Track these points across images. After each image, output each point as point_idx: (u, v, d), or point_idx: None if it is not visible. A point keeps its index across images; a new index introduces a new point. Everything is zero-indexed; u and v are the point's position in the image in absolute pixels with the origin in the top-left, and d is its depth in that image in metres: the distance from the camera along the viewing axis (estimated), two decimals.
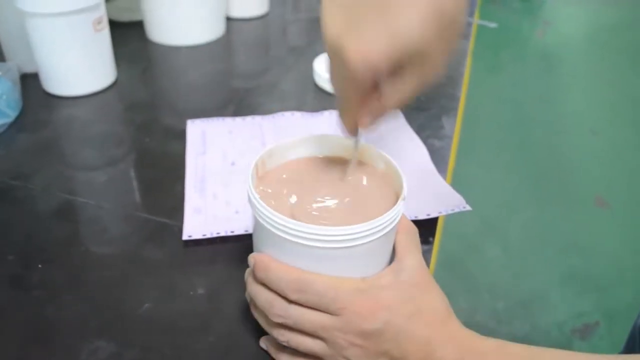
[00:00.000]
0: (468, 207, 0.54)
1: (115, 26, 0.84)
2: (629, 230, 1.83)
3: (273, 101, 0.78)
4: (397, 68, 0.35)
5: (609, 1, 3.81)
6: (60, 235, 0.53)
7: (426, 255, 0.51)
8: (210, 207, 0.56)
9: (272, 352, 0.41)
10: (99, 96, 0.78)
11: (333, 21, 0.35)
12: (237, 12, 1.05)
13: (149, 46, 0.95)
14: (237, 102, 0.79)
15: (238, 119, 0.71)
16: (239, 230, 0.52)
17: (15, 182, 0.60)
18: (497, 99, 2.61)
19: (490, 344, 0.37)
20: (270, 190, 0.41)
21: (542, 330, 1.47)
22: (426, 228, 0.53)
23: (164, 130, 0.71)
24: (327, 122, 0.71)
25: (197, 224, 0.54)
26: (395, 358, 0.36)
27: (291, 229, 0.35)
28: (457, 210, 0.54)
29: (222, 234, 0.52)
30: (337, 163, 0.44)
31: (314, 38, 1.02)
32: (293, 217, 0.37)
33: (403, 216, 0.39)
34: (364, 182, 0.42)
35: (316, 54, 0.84)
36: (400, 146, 0.66)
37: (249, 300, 0.41)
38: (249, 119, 0.71)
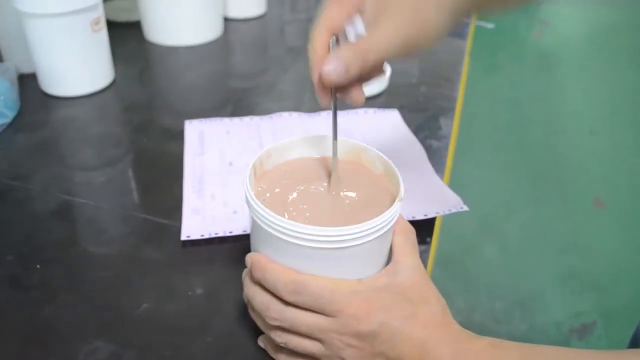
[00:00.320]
0: (465, 208, 0.54)
1: (113, 26, 0.84)
2: (627, 231, 1.83)
3: (271, 101, 0.78)
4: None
5: (606, 1, 3.81)
6: (59, 236, 0.54)
7: (424, 255, 0.51)
8: (208, 208, 0.56)
9: (270, 351, 0.41)
10: (97, 96, 0.78)
11: None
12: (235, 13, 1.05)
13: (146, 46, 0.95)
14: (235, 103, 0.79)
15: (236, 120, 0.71)
16: (237, 231, 0.53)
17: (13, 182, 0.60)
18: (495, 99, 2.62)
19: (485, 342, 0.37)
20: (267, 191, 0.41)
21: (540, 330, 1.47)
22: (424, 228, 0.53)
23: (162, 131, 0.71)
24: (325, 123, 0.71)
25: (195, 224, 0.54)
26: (391, 359, 0.36)
27: (288, 229, 0.35)
28: (454, 210, 0.54)
29: (221, 234, 0.52)
30: (337, 163, 0.44)
31: None
32: (290, 217, 0.38)
33: (400, 217, 0.39)
34: (361, 183, 0.42)
35: None
36: (397, 147, 0.66)
37: (246, 301, 0.41)
38: (246, 119, 0.71)
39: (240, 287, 0.41)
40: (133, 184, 0.63)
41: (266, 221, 0.36)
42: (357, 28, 0.39)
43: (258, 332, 0.42)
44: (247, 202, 0.38)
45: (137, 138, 0.70)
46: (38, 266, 0.50)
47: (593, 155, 2.22)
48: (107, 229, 0.55)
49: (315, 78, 0.39)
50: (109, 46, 0.80)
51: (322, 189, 0.42)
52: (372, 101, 0.77)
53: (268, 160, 0.43)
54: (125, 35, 0.96)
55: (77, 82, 0.77)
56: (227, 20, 1.03)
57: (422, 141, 0.67)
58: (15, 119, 0.71)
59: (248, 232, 0.42)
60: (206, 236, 0.52)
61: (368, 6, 0.39)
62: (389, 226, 0.37)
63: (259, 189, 0.41)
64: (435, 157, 0.65)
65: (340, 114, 0.73)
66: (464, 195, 0.57)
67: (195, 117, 0.71)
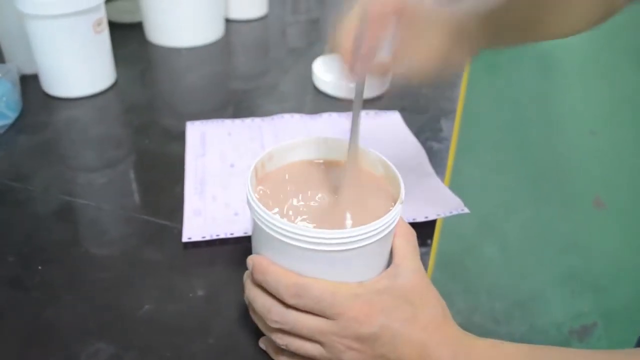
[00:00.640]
0: (466, 210, 0.55)
1: (115, 27, 0.84)
2: (627, 231, 1.83)
3: (272, 103, 0.78)
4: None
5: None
6: (60, 237, 0.54)
7: (424, 257, 0.52)
8: (209, 209, 0.56)
9: (271, 353, 0.42)
10: (99, 98, 0.78)
11: None
12: (236, 14, 1.05)
13: (148, 48, 0.95)
14: (236, 104, 0.79)
15: (237, 121, 0.71)
16: (238, 233, 0.53)
17: (15, 183, 0.60)
18: (496, 100, 2.62)
19: (484, 343, 0.37)
20: (269, 193, 0.41)
21: (540, 331, 1.48)
22: (424, 230, 0.53)
23: (164, 132, 0.71)
24: (326, 124, 0.71)
25: (196, 226, 0.54)
26: None
27: (289, 231, 0.35)
28: (455, 212, 0.54)
29: (222, 236, 0.52)
30: (336, 166, 0.44)
31: (313, 40, 1.02)
32: (291, 219, 0.38)
33: (401, 220, 0.40)
34: (362, 185, 0.42)
35: (315, 56, 0.85)
36: (398, 149, 0.66)
37: (247, 303, 0.41)
38: (248, 120, 0.72)
39: (241, 288, 0.41)
40: (134, 185, 0.63)
41: (267, 223, 0.36)
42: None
43: (259, 333, 0.42)
44: (249, 204, 0.38)
45: (139, 139, 0.70)
46: (39, 267, 0.50)
47: (593, 155, 2.22)
48: (108, 230, 0.55)
49: (345, 61, 0.40)
50: (111, 47, 0.80)
51: (324, 192, 0.42)
52: (373, 103, 0.77)
53: (270, 162, 0.43)
54: (127, 36, 0.96)
55: (79, 83, 0.77)
56: (228, 21, 1.03)
57: (423, 143, 0.68)
58: (17, 119, 0.71)
59: (249, 234, 0.42)
60: (207, 238, 0.52)
61: (402, 26, 0.40)
62: (389, 229, 0.37)
63: (260, 190, 0.41)
64: (436, 159, 0.65)
65: (341, 116, 0.73)
66: (464, 196, 0.57)
67: (196, 119, 0.71)
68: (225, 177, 0.61)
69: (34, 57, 0.75)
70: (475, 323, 1.48)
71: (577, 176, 2.09)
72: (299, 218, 0.39)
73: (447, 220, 0.56)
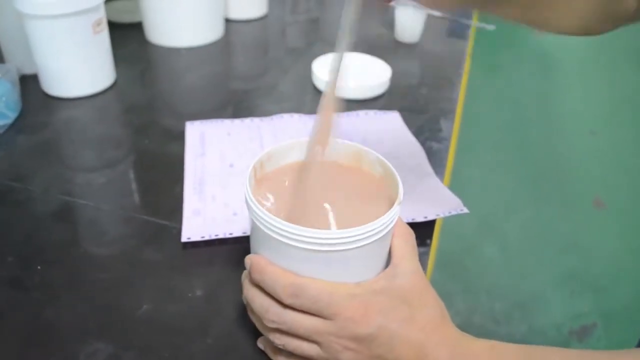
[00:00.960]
0: (465, 210, 0.55)
1: (115, 27, 0.84)
2: (627, 232, 1.83)
3: (271, 103, 0.78)
4: None
5: None
6: (60, 237, 0.54)
7: (424, 257, 0.52)
8: (209, 209, 0.56)
9: (270, 353, 0.42)
10: (98, 98, 0.78)
11: None
12: (236, 14, 1.05)
13: (148, 48, 0.96)
14: (236, 104, 0.79)
15: (237, 121, 0.71)
16: (237, 232, 0.53)
17: (14, 183, 0.60)
18: (496, 100, 2.62)
19: (483, 344, 0.37)
20: (267, 193, 0.41)
21: (540, 331, 1.48)
22: (424, 230, 0.53)
23: (163, 132, 0.71)
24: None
25: (195, 226, 0.54)
26: None
27: (286, 231, 0.35)
28: (454, 212, 0.54)
29: (221, 236, 0.52)
30: (335, 166, 0.44)
31: (312, 39, 1.02)
32: (289, 219, 0.38)
33: (400, 221, 0.40)
34: (361, 185, 0.42)
35: (315, 56, 0.85)
36: (398, 149, 0.66)
37: (245, 303, 0.41)
38: (247, 120, 0.72)
39: (240, 288, 0.41)
40: (134, 185, 0.63)
41: (265, 223, 0.36)
42: None
43: (257, 333, 0.42)
44: (247, 204, 0.38)
45: (138, 139, 0.70)
46: (39, 267, 0.50)
47: (593, 155, 2.22)
48: (107, 230, 0.55)
49: None
50: (110, 47, 0.80)
51: (322, 192, 0.42)
52: (372, 103, 0.77)
53: (268, 162, 0.43)
54: (126, 36, 0.96)
55: (79, 83, 0.77)
56: (228, 21, 1.03)
57: (423, 143, 0.68)
58: (16, 120, 0.71)
59: (248, 233, 0.42)
60: (206, 238, 0.52)
61: None
62: (387, 229, 0.37)
63: (259, 190, 0.41)
64: (436, 159, 0.65)
65: (339, 115, 0.73)
66: (464, 196, 0.57)
67: (196, 119, 0.71)
68: (224, 177, 0.61)
69: (33, 57, 0.75)
70: (474, 323, 1.48)
71: (577, 176, 2.10)
72: (297, 218, 0.39)
73: (447, 220, 0.56)
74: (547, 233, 1.82)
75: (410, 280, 0.37)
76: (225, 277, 0.49)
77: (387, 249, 0.39)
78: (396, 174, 0.40)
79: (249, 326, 0.43)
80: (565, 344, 1.43)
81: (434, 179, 0.61)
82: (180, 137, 0.68)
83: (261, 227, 0.36)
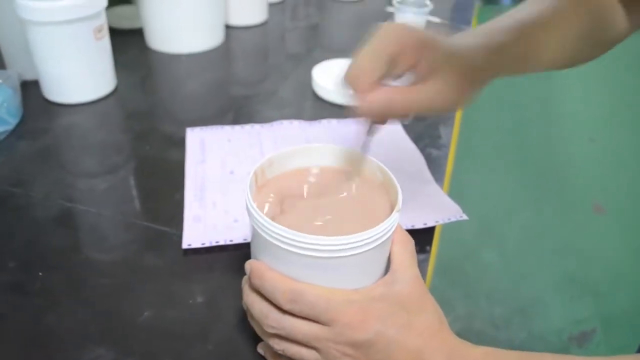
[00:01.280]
0: (465, 217, 0.55)
1: (115, 34, 0.84)
2: (626, 237, 1.83)
3: (271, 109, 0.78)
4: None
5: None
6: (61, 243, 0.54)
7: (423, 263, 0.52)
8: (209, 216, 0.56)
9: (269, 358, 0.42)
10: (99, 104, 0.79)
11: None
12: (236, 20, 1.06)
13: (148, 54, 0.96)
14: (236, 110, 0.80)
15: (237, 127, 0.72)
16: (238, 239, 0.53)
17: (15, 189, 0.61)
18: (495, 105, 2.62)
19: (479, 351, 0.37)
20: (268, 199, 0.42)
21: (540, 337, 1.48)
22: (423, 237, 0.53)
23: (164, 138, 0.72)
24: (326, 131, 0.72)
25: (196, 232, 0.54)
26: None
27: (287, 238, 0.35)
28: (453, 219, 0.55)
29: (221, 242, 0.53)
30: (335, 173, 0.45)
31: (312, 46, 1.03)
32: (289, 226, 0.38)
33: (399, 227, 0.40)
34: (361, 193, 0.43)
35: (315, 62, 0.85)
36: (397, 156, 0.66)
37: (245, 308, 0.42)
38: (247, 127, 0.72)
39: (240, 294, 0.42)
40: (134, 192, 0.63)
41: (265, 229, 0.36)
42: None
43: (257, 339, 0.42)
44: (248, 210, 0.38)
45: (139, 145, 0.70)
46: (40, 273, 0.50)
47: (593, 161, 2.23)
48: (108, 236, 0.56)
49: (357, 99, 0.42)
50: (111, 53, 0.80)
51: (322, 199, 0.42)
52: None
53: (269, 169, 0.43)
54: (127, 42, 0.96)
55: (80, 90, 0.77)
56: (228, 27, 1.04)
57: (422, 150, 0.68)
58: (17, 125, 0.71)
59: (249, 240, 0.42)
60: (207, 244, 0.52)
61: (424, 62, 0.42)
62: (387, 236, 0.37)
63: (260, 197, 0.42)
64: (435, 166, 0.66)
65: (339, 122, 0.73)
66: (463, 202, 0.57)
67: (196, 125, 0.72)
68: (225, 183, 0.61)
69: (34, 63, 0.76)
70: (474, 329, 1.48)
71: (577, 182, 2.10)
72: (297, 224, 0.39)
73: (447, 226, 0.57)
74: (546, 238, 1.82)
75: (408, 286, 0.37)
76: (226, 283, 0.49)
77: (386, 256, 0.40)
78: (395, 181, 0.40)
79: (249, 332, 0.43)
80: (565, 349, 1.43)
81: (434, 186, 0.61)
82: (180, 144, 0.69)
83: (261, 233, 0.37)
